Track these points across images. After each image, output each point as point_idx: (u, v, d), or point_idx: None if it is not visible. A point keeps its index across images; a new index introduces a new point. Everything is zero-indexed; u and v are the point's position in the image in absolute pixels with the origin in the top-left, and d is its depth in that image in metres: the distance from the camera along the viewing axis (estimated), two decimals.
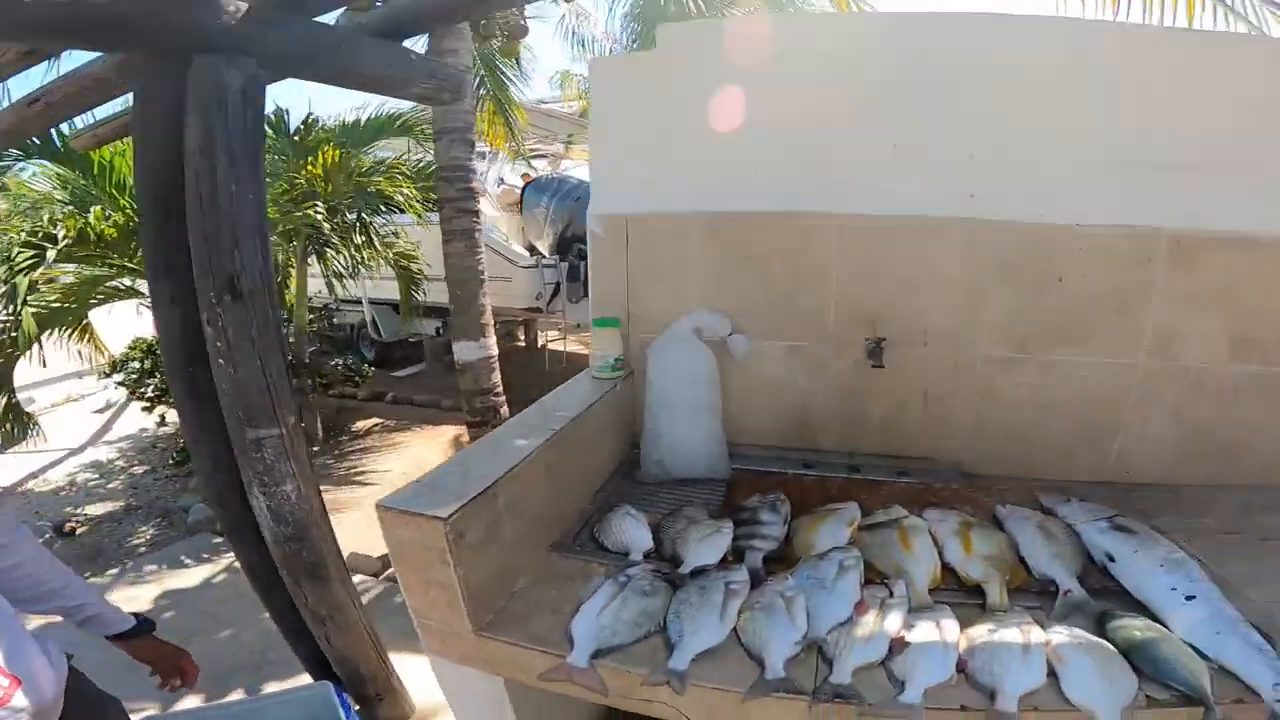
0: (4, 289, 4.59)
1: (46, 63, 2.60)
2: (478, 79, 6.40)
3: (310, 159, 5.67)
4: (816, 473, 2.28)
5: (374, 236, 6.46)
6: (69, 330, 5.43)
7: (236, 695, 3.00)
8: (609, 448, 2.28)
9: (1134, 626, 1.33)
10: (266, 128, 6.13)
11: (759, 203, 2.24)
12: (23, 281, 4.46)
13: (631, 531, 1.86)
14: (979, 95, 2.05)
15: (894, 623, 1.43)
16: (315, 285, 7.36)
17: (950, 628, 1.40)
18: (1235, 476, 2.14)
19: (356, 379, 7.41)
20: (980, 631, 1.38)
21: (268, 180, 6.10)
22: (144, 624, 1.75)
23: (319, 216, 5.67)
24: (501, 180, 9.52)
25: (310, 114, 6.04)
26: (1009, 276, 2.11)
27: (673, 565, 1.71)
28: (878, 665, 1.36)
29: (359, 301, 9.05)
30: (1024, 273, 2.10)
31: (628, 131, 2.43)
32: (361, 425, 7.59)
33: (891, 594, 1.52)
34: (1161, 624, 1.35)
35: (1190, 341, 2.05)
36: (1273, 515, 1.92)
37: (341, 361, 7.57)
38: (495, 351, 4.49)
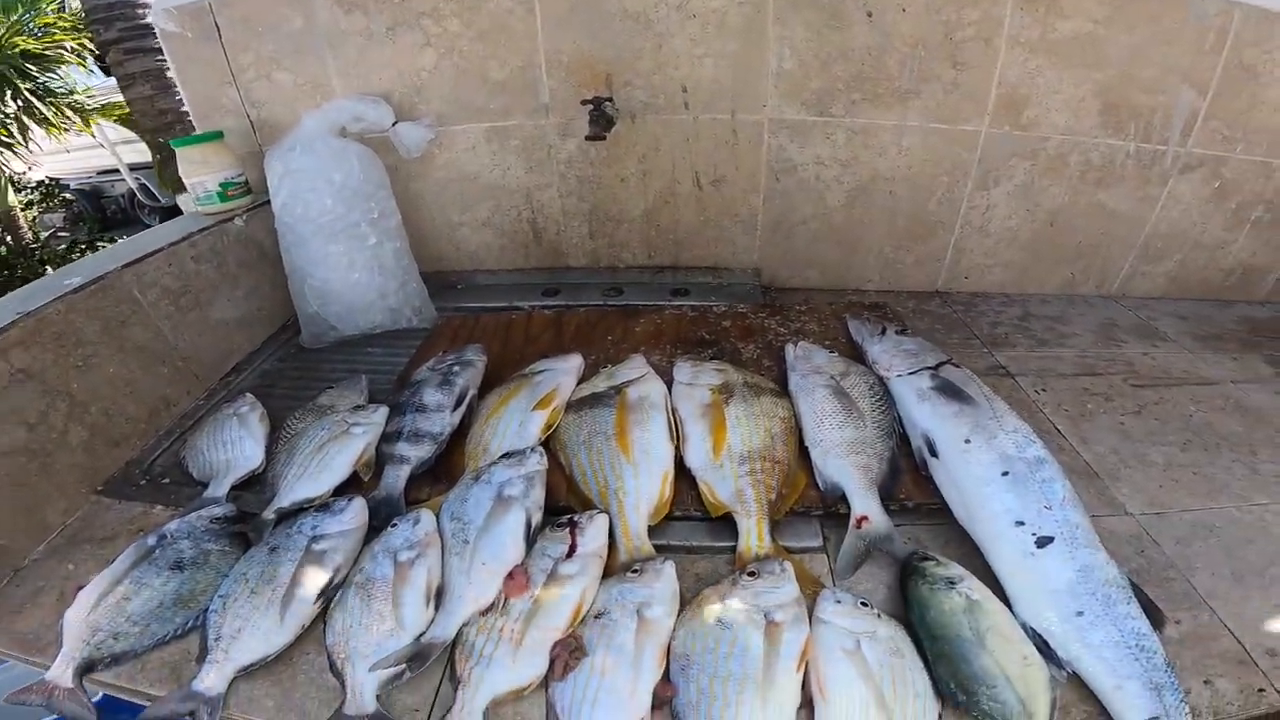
0: None
1: None
2: None
3: None
4: (559, 303, 1.56)
5: (34, 101, 5.39)
6: None
7: None
8: (242, 309, 1.48)
9: (949, 609, 0.72)
10: None
11: None
12: None
13: (226, 445, 1.15)
14: None
15: (564, 610, 0.79)
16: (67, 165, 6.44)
17: (658, 617, 0.76)
18: (1095, 285, 1.67)
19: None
20: (700, 632, 0.74)
21: None
22: None
23: None
24: None
25: None
26: (796, 8, 1.39)
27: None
28: (535, 689, 0.75)
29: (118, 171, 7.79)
30: (818, 4, 1.38)
31: None
32: None
33: (573, 549, 0.85)
34: (996, 586, 0.76)
35: (1049, 106, 1.46)
36: (1144, 342, 1.45)
37: (84, 238, 6.54)
38: None
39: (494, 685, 0.75)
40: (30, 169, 6.23)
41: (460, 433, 1.12)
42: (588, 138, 1.45)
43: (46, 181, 7.26)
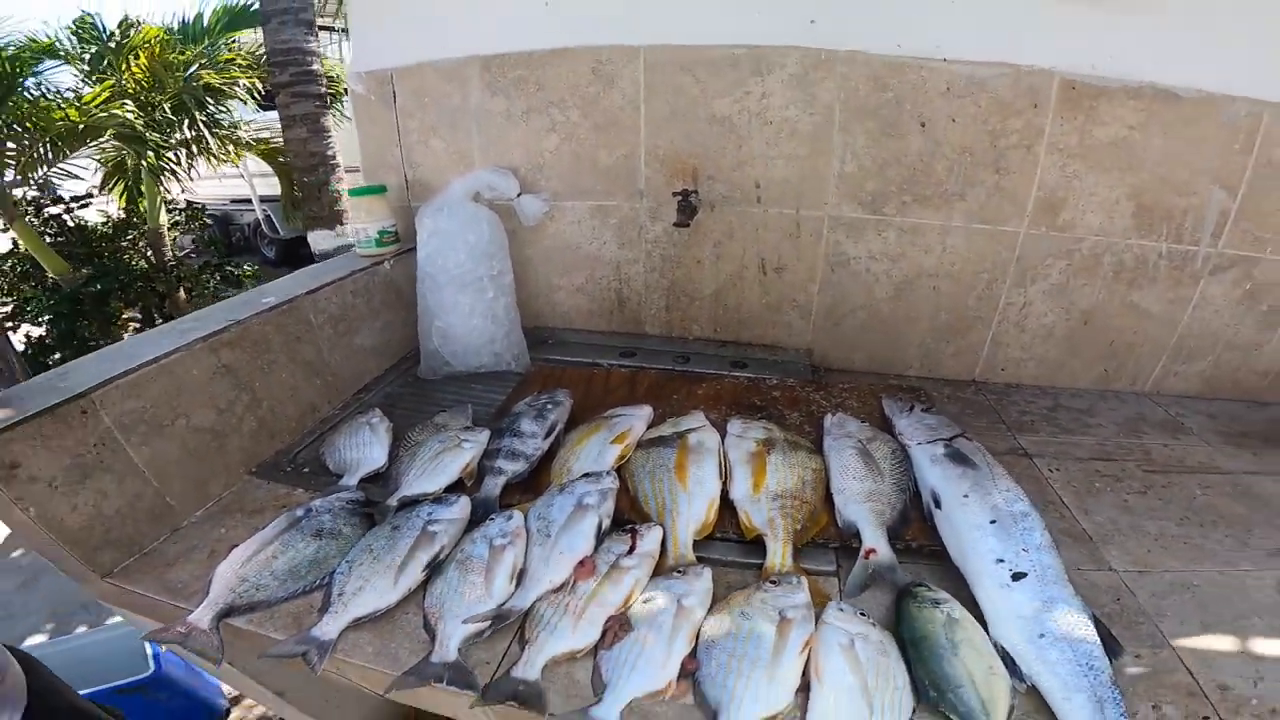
0: None
1: None
2: None
3: (132, 59, 5.20)
4: (634, 364, 1.75)
5: (205, 132, 5.71)
6: None
7: (81, 631, 2.74)
8: (378, 338, 1.73)
9: (931, 620, 0.86)
10: (74, 36, 5.41)
11: (545, 38, 1.64)
12: None
13: (359, 447, 1.36)
14: None
15: (619, 594, 0.96)
16: (206, 190, 6.82)
17: (693, 607, 0.93)
18: (1128, 381, 1.71)
19: (239, 279, 6.67)
20: (727, 615, 0.90)
21: (88, 85, 5.33)
22: None
23: (128, 116, 5.02)
24: None
25: (125, 17, 5.53)
26: (859, 119, 1.55)
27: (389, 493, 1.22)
28: (586, 654, 0.90)
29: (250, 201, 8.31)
30: (878, 115, 1.53)
31: None
32: None
33: (633, 548, 1.03)
34: (979, 611, 0.89)
35: (1084, 208, 1.53)
36: (1166, 435, 1.49)
37: (214, 262, 6.78)
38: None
39: (555, 647, 0.90)
40: (182, 192, 6.70)
41: (547, 458, 1.31)
42: (675, 224, 1.64)
43: (193, 205, 7.67)
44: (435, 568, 1.05)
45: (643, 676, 0.85)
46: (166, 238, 6.35)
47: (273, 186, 7.53)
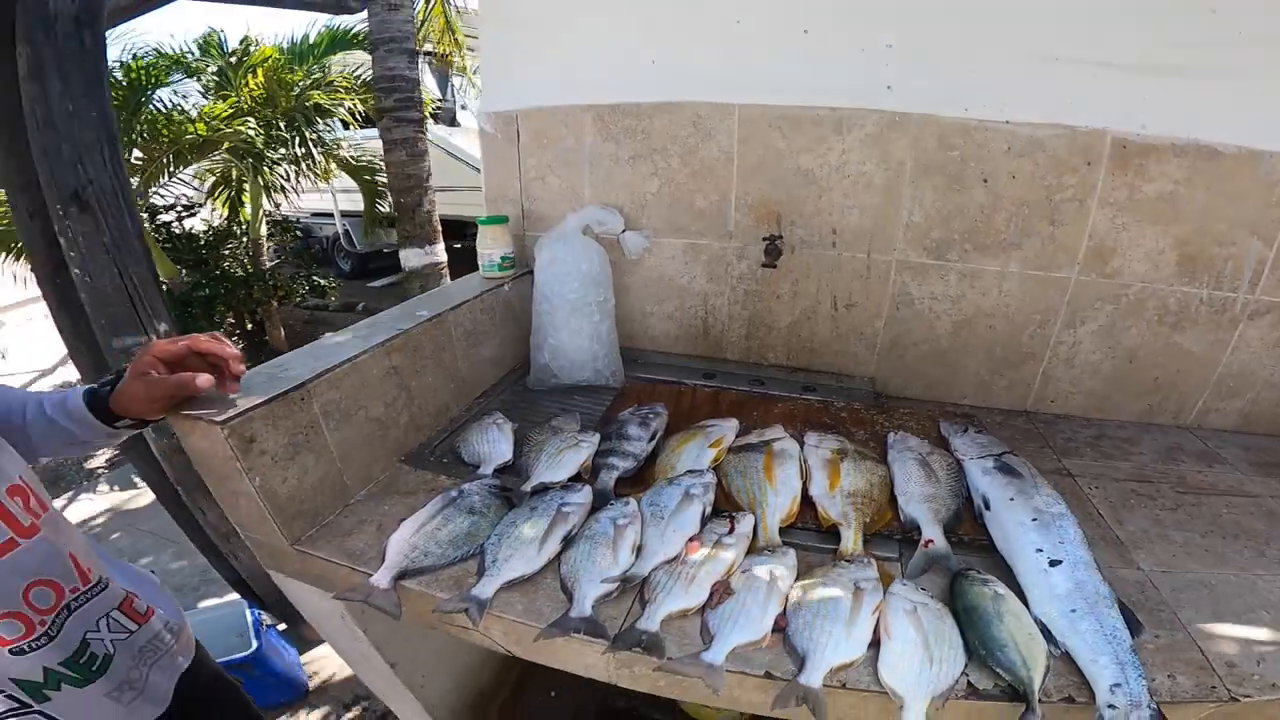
0: None
1: None
2: None
3: (249, 77, 5.63)
4: (715, 384, 1.98)
5: (313, 149, 6.14)
6: (7, 254, 5.09)
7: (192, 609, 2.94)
8: (495, 351, 1.99)
9: (981, 595, 1.05)
10: (197, 50, 5.91)
11: (653, 93, 1.88)
12: None
13: (490, 443, 1.60)
14: None
15: (722, 565, 1.17)
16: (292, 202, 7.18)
17: (782, 578, 1.14)
18: (1171, 416, 1.83)
19: (323, 290, 7.13)
20: (811, 586, 1.11)
21: (209, 99, 5.80)
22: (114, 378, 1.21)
23: (251, 132, 5.43)
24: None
25: (246, 35, 6.01)
26: (928, 174, 1.74)
27: (522, 481, 1.46)
28: (695, 613, 1.11)
29: (332, 215, 8.76)
30: (945, 171, 1.72)
31: (517, 21, 2.03)
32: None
33: (732, 530, 1.26)
34: (1020, 592, 1.08)
35: (1132, 257, 1.69)
36: (1201, 464, 1.62)
37: (303, 273, 7.25)
38: (444, 259, 4.27)
39: (670, 605, 1.09)
40: (287, 205, 7.12)
41: (649, 460, 1.54)
42: (763, 265, 1.87)
43: (286, 218, 8.15)
44: (568, 542, 1.25)
45: (743, 630, 1.05)
46: (264, 248, 6.83)
47: (353, 202, 7.94)
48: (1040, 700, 0.91)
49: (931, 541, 1.20)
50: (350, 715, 2.52)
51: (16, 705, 1.05)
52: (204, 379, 1.12)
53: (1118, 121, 1.59)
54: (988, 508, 1.25)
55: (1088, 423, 1.84)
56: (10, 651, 1.03)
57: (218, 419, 1.16)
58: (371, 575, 1.21)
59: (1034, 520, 1.16)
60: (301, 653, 2.79)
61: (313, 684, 2.72)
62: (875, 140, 1.74)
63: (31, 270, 2.21)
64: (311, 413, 1.34)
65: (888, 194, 1.78)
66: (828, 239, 1.87)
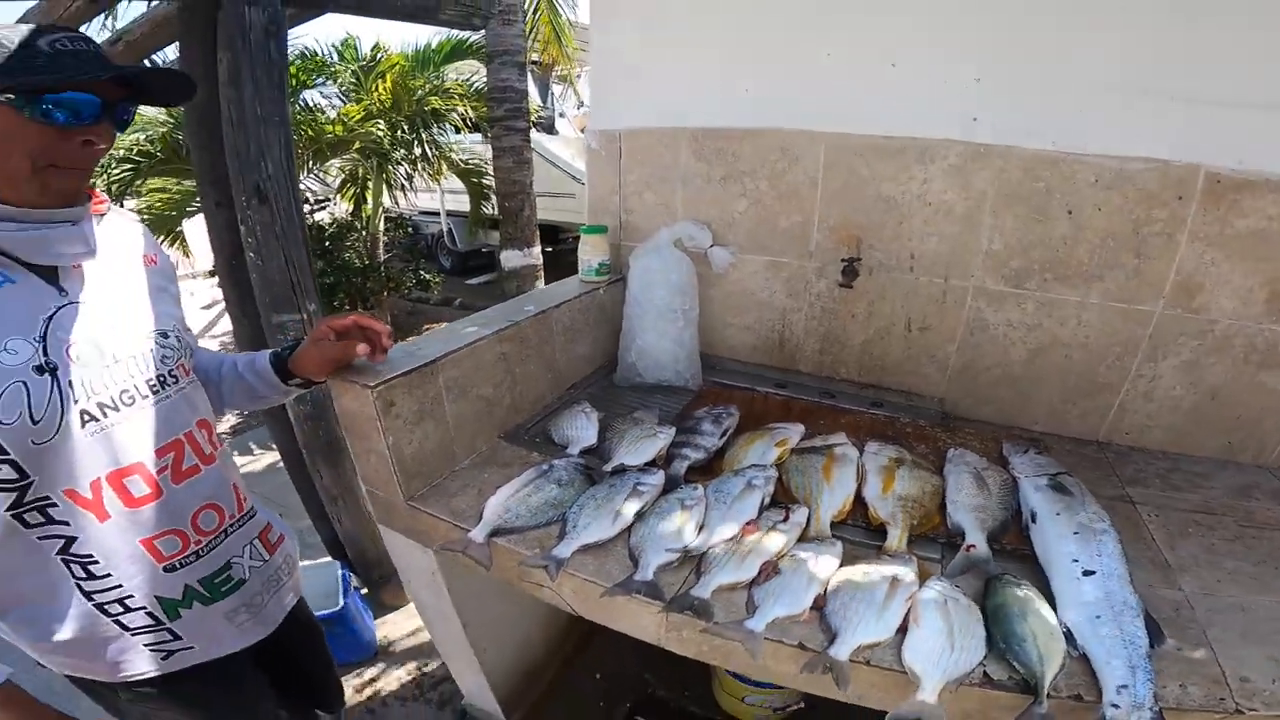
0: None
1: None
2: (533, 2, 6.35)
3: (378, 82, 6.00)
4: (787, 393, 2.10)
5: (429, 151, 6.55)
6: (163, 238, 5.70)
7: None
8: (588, 348, 2.18)
9: (1011, 595, 1.13)
10: (335, 55, 6.38)
11: (745, 119, 2.02)
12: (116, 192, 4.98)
13: (578, 428, 1.78)
14: (990, 10, 1.68)
15: (773, 548, 1.31)
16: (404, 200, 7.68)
17: (826, 564, 1.26)
18: (1252, 455, 1.78)
19: (428, 284, 7.62)
20: (852, 572, 1.23)
21: (341, 102, 6.34)
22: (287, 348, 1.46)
23: (380, 134, 5.87)
24: (581, 103, 9.28)
25: (376, 43, 6.37)
26: (1010, 205, 1.78)
27: (604, 463, 1.64)
28: (743, 587, 1.25)
29: (438, 213, 9.32)
30: (1029, 202, 1.76)
31: (624, 46, 2.22)
32: (430, 327, 7.67)
33: (787, 519, 1.39)
34: (1052, 598, 1.16)
35: (1219, 293, 1.66)
36: (1274, 502, 1.59)
37: (412, 267, 7.75)
38: (540, 261, 4.46)
39: (722, 578, 1.21)
40: (405, 202, 7.64)
41: (719, 454, 1.68)
42: (840, 285, 1.96)
43: (401, 215, 8.67)
44: (639, 517, 1.41)
45: (784, 605, 1.18)
46: (381, 242, 7.32)
47: (458, 203, 8.38)
48: (1049, 695, 0.99)
49: (974, 546, 1.29)
50: (410, 678, 2.74)
51: (152, 623, 1.14)
52: (363, 347, 1.35)
53: (1212, 156, 1.57)
54: (1034, 521, 1.33)
55: (1163, 455, 1.81)
56: (164, 569, 1.14)
57: (370, 384, 1.40)
58: (469, 531, 1.39)
59: (1075, 534, 1.23)
60: (375, 617, 3.04)
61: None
62: (958, 170, 1.80)
63: (213, 252, 2.59)
64: (437, 386, 1.57)
65: (968, 222, 1.83)
66: (905, 263, 1.94)
